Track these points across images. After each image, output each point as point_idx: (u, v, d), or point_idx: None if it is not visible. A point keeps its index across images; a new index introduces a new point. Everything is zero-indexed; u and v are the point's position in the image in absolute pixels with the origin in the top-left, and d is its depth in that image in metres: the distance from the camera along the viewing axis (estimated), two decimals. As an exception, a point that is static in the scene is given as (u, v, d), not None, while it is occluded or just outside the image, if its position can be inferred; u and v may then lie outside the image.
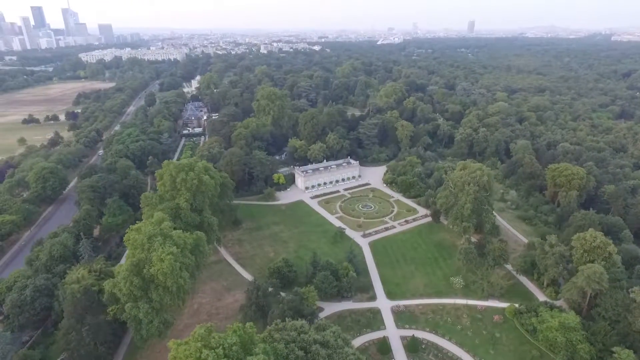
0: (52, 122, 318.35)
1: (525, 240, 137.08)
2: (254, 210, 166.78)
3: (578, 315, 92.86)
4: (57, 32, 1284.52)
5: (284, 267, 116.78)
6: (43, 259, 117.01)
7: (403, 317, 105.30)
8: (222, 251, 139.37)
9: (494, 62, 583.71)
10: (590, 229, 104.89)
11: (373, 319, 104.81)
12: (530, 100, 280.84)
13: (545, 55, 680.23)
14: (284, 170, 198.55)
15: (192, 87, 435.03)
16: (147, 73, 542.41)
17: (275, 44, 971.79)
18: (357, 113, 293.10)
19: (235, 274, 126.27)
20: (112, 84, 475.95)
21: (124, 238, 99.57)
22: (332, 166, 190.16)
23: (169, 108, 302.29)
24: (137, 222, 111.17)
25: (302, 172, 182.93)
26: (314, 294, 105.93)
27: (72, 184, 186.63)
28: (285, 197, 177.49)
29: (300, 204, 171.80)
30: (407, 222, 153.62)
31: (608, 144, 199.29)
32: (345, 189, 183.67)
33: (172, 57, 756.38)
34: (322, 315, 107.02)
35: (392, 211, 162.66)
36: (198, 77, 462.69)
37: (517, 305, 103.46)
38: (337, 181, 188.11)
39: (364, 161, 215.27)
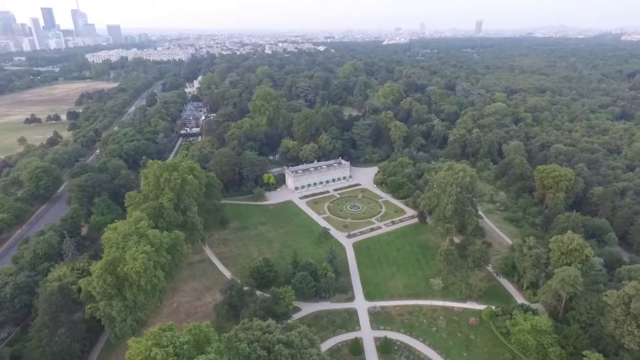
0: (53, 121, 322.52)
1: (510, 242, 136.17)
2: (242, 210, 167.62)
3: (551, 319, 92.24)
4: (66, 32, 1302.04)
5: (263, 267, 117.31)
6: (27, 257, 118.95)
7: (379, 318, 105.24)
8: (207, 250, 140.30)
9: (497, 62, 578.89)
10: (568, 231, 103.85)
11: (349, 320, 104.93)
12: (528, 101, 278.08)
13: (551, 55, 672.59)
14: (277, 170, 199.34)
15: (194, 87, 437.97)
16: (150, 73, 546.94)
17: (280, 44, 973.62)
18: (355, 113, 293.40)
19: (218, 274, 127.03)
20: (116, 84, 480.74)
21: (102, 237, 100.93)
22: (323, 167, 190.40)
23: (168, 108, 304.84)
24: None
25: (292, 172, 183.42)
26: (290, 294, 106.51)
27: (65, 183, 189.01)
28: (275, 197, 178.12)
29: (288, 204, 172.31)
30: (393, 223, 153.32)
31: (602, 145, 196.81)
32: (335, 190, 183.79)
33: (177, 58, 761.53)
34: (299, 315, 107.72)
35: (380, 212, 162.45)
36: (200, 78, 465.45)
37: (493, 307, 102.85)
38: (327, 181, 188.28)
39: (357, 162, 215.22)
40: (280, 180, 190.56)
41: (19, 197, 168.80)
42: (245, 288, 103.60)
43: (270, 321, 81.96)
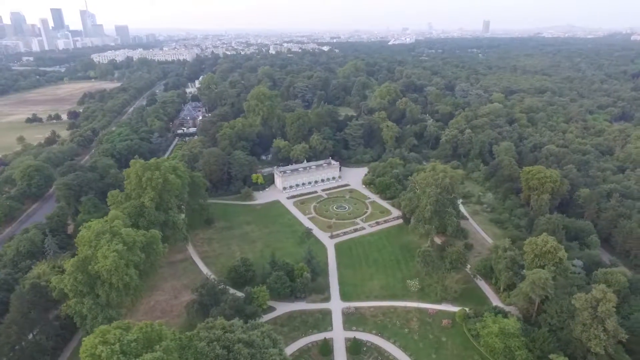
0: (54, 121, 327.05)
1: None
2: (229, 209, 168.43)
3: (521, 321, 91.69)
4: (75, 33, 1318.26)
5: (240, 267, 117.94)
6: (10, 255, 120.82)
7: (352, 319, 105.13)
8: (190, 250, 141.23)
9: (501, 62, 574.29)
10: (543, 234, 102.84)
11: (322, 320, 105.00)
12: (525, 102, 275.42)
13: (557, 55, 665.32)
14: (268, 170, 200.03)
15: (195, 87, 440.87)
16: (154, 73, 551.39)
17: (285, 45, 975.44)
18: (352, 114, 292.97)
19: (198, 273, 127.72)
20: (119, 84, 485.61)
21: (78, 235, 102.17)
22: (312, 167, 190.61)
23: (165, 108, 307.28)
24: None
25: (280, 172, 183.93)
26: (264, 294, 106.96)
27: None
28: (263, 197, 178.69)
29: (275, 204, 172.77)
30: (377, 223, 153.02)
31: (595, 146, 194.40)
32: (324, 190, 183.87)
33: (182, 58, 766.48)
34: (273, 315, 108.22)
35: (366, 212, 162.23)
36: (201, 78, 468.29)
37: (467, 309, 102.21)
38: (316, 182, 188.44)
39: (348, 162, 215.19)
40: (270, 180, 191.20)
41: (10, 196, 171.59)
42: (220, 287, 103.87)
43: (234, 320, 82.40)
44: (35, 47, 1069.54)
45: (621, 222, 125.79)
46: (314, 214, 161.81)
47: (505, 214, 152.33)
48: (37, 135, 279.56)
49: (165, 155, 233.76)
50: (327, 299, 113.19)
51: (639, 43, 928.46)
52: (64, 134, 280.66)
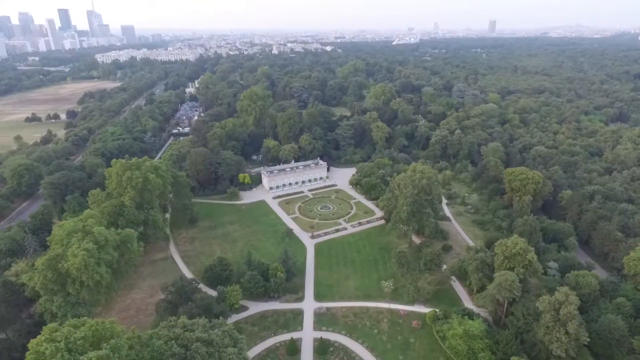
0: (53, 120, 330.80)
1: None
2: (215, 209, 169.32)
3: (485, 323, 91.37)
4: (81, 33, 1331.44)
5: (216, 266, 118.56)
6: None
7: (323, 320, 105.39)
8: (172, 248, 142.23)
9: (503, 62, 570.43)
10: (514, 235, 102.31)
11: (293, 320, 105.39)
12: (519, 102, 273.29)
13: (561, 55, 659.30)
14: (257, 170, 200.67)
15: (194, 87, 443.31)
16: (155, 73, 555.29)
17: (289, 45, 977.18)
18: (348, 114, 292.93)
19: (177, 272, 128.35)
20: (120, 84, 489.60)
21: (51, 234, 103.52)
22: (299, 167, 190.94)
23: (161, 108, 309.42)
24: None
25: (267, 172, 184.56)
26: (237, 293, 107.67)
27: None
28: (249, 197, 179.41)
29: (261, 204, 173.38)
30: (360, 224, 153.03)
31: (585, 147, 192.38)
32: (310, 190, 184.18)
33: (185, 58, 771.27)
34: (246, 314, 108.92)
35: (350, 213, 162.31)
36: (201, 77, 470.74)
37: (437, 311, 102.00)
38: (303, 182, 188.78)
39: (338, 162, 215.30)
40: (258, 180, 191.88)
41: (0, 194, 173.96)
42: (190, 286, 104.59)
43: (196, 319, 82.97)
44: (42, 47, 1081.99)
45: (600, 224, 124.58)
46: (297, 214, 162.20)
47: (488, 216, 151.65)
48: (34, 135, 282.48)
49: (158, 155, 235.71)
50: (301, 299, 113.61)
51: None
52: (61, 133, 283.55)
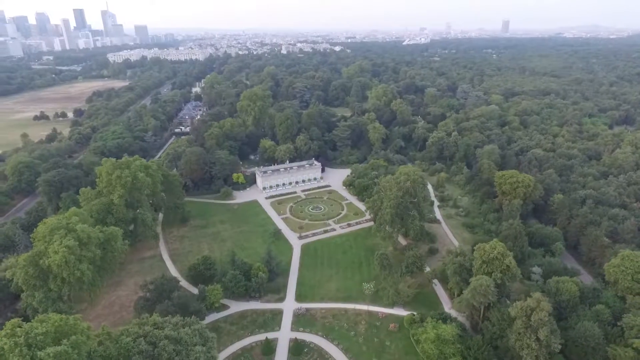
0: (60, 118, 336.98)
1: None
2: (207, 208, 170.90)
3: (459, 328, 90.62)
4: (96, 33, 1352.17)
5: (200, 265, 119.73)
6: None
7: (302, 320, 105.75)
8: (162, 247, 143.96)
9: (512, 63, 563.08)
10: (494, 239, 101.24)
11: (271, 320, 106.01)
12: (521, 104, 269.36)
13: (573, 56, 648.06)
14: (252, 170, 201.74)
15: (200, 86, 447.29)
16: (164, 72, 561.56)
17: (298, 45, 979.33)
18: (349, 114, 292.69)
19: (164, 270, 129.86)
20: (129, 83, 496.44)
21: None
22: (293, 167, 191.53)
23: (165, 107, 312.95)
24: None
25: (261, 172, 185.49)
26: (217, 292, 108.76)
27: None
28: (242, 197, 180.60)
29: (253, 204, 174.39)
30: (349, 225, 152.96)
31: (583, 151, 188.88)
32: (303, 190, 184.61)
33: (195, 57, 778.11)
34: (226, 313, 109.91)
35: (340, 214, 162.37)
36: (207, 77, 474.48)
37: (415, 314, 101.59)
38: (296, 182, 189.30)
39: (334, 163, 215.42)
40: (253, 180, 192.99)
41: (0, 191, 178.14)
42: (169, 284, 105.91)
43: (168, 317, 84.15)
44: (57, 47, 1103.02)
45: (588, 229, 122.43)
46: (288, 215, 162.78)
47: (478, 219, 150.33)
48: (41, 133, 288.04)
49: (158, 154, 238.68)
50: (282, 299, 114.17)
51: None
52: (67, 131, 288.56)
